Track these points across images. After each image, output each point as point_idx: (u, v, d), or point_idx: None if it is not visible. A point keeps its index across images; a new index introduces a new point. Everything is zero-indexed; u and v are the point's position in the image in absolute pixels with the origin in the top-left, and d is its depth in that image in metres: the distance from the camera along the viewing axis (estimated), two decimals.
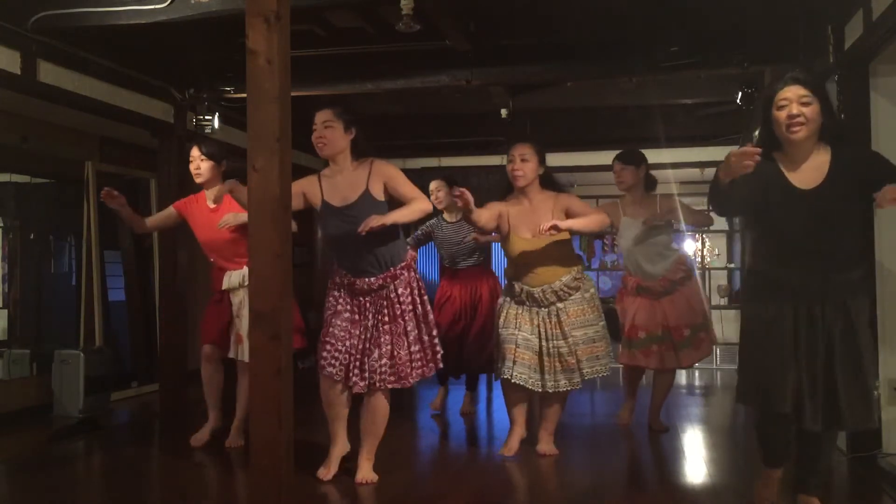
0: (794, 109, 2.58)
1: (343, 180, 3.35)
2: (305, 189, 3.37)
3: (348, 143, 3.34)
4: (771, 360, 2.65)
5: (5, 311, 5.78)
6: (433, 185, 4.85)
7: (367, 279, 3.30)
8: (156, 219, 4.23)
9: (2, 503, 3.37)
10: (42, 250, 6.10)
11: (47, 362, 5.07)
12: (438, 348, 3.40)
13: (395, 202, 3.36)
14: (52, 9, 4.04)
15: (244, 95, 2.73)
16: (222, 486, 3.59)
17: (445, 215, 4.87)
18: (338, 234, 3.32)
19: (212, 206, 4.02)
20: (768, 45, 4.56)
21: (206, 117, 5.47)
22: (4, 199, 5.86)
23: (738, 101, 5.30)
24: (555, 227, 3.54)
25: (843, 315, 2.61)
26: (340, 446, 3.47)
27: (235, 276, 3.96)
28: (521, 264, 3.78)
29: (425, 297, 3.42)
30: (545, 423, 3.92)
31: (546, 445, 3.89)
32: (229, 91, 5.37)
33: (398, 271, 3.33)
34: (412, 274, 3.41)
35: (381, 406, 3.39)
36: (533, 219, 3.74)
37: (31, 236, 5.97)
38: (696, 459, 3.94)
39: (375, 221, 3.09)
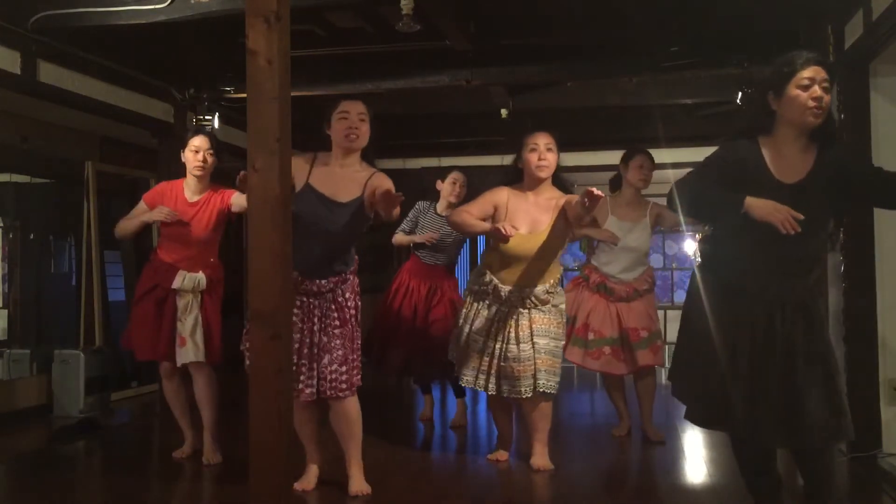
0: (819, 92, 2.34)
1: (342, 175, 3.19)
2: (295, 164, 3.12)
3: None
4: (712, 373, 2.42)
5: (5, 311, 5.78)
6: (454, 176, 4.64)
7: (318, 281, 3.15)
8: (132, 232, 3.95)
9: (2, 503, 3.37)
10: (42, 250, 6.09)
11: (47, 362, 5.07)
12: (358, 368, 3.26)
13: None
14: (52, 9, 4.04)
15: (244, 95, 2.73)
16: (222, 486, 3.59)
17: (439, 206, 4.69)
18: (310, 225, 3.09)
19: (192, 199, 3.80)
20: (768, 45, 4.55)
21: (206, 117, 5.47)
22: (4, 199, 5.86)
23: (738, 101, 5.30)
24: (592, 197, 3.09)
25: (802, 316, 2.42)
26: (316, 458, 3.38)
27: (189, 280, 3.73)
28: (504, 258, 3.52)
29: (359, 303, 3.30)
30: (535, 433, 3.67)
31: (540, 459, 3.64)
32: (229, 91, 5.37)
33: (347, 275, 3.22)
34: (355, 279, 3.29)
35: (351, 409, 3.22)
36: (533, 214, 3.52)
37: (31, 236, 5.97)
38: (696, 459, 3.94)
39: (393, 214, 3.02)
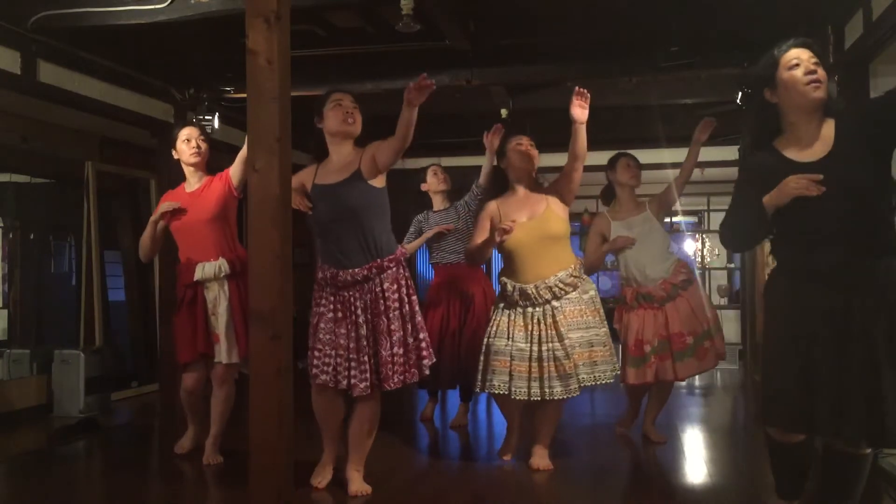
0: (812, 66, 2.32)
1: (339, 160, 3.25)
2: (303, 179, 3.29)
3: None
4: (792, 370, 2.29)
5: (5, 311, 5.78)
6: (432, 169, 4.73)
7: (351, 270, 3.13)
8: (152, 245, 3.88)
9: (2, 503, 3.37)
10: (42, 250, 6.10)
11: (47, 362, 5.07)
12: (425, 353, 3.21)
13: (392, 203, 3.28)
14: (52, 9, 4.04)
15: (244, 95, 2.73)
16: (222, 486, 3.59)
17: (434, 204, 4.72)
18: (324, 216, 3.19)
19: (191, 190, 3.84)
20: (768, 45, 4.54)
21: (206, 117, 5.47)
22: (4, 199, 5.86)
23: (738, 101, 5.30)
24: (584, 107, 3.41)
25: (886, 313, 2.23)
26: (334, 456, 3.41)
27: (209, 267, 3.70)
28: (515, 258, 3.59)
29: (414, 297, 3.24)
30: (539, 436, 3.70)
31: (540, 460, 3.66)
32: (229, 91, 5.37)
33: (385, 263, 3.16)
34: (401, 270, 3.23)
35: (373, 413, 3.26)
36: (527, 205, 3.62)
37: (31, 236, 5.97)
38: (696, 459, 3.94)
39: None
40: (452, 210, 4.64)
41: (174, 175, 5.15)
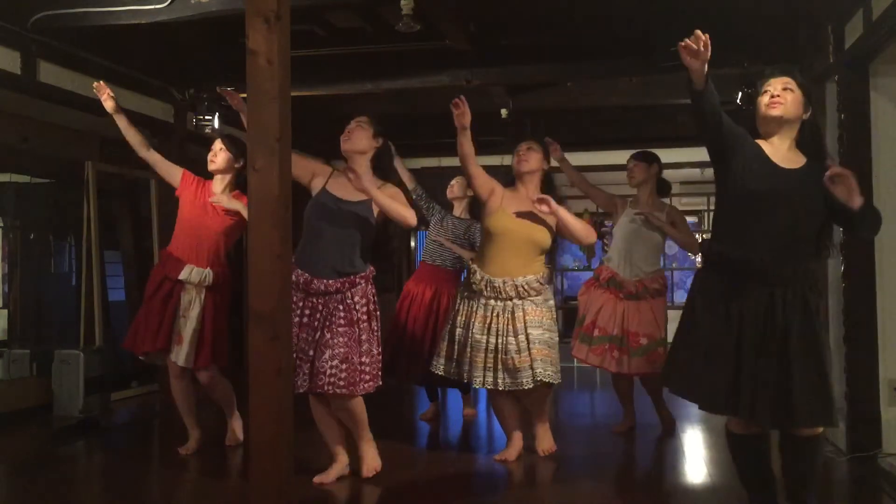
0: (776, 91, 2.63)
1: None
2: (317, 171, 3.45)
3: (371, 149, 3.41)
4: (710, 347, 2.56)
5: (5, 311, 5.78)
6: (456, 181, 4.83)
7: (325, 280, 3.27)
8: (161, 160, 4.02)
9: (2, 503, 3.37)
10: (42, 250, 6.09)
11: (47, 362, 5.06)
12: (379, 367, 3.35)
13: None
14: (52, 9, 4.04)
15: (244, 95, 2.73)
16: (222, 486, 3.59)
17: (455, 210, 4.83)
18: (319, 222, 3.32)
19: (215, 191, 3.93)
20: (768, 45, 4.56)
21: (206, 117, 5.47)
22: (4, 199, 5.86)
23: (738, 101, 5.30)
24: (546, 203, 3.55)
25: (801, 306, 2.54)
26: (341, 464, 3.44)
27: (197, 273, 3.80)
28: (494, 246, 3.70)
29: (378, 314, 3.39)
30: (535, 418, 3.88)
31: (545, 442, 3.86)
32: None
33: (357, 279, 3.31)
34: (370, 287, 3.38)
35: (355, 406, 3.32)
36: (526, 203, 3.72)
37: (31, 236, 5.97)
38: (696, 459, 3.95)
39: (365, 181, 3.17)
40: (468, 223, 4.72)
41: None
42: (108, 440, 4.54)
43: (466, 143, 3.59)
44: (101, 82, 3.83)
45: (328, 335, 3.22)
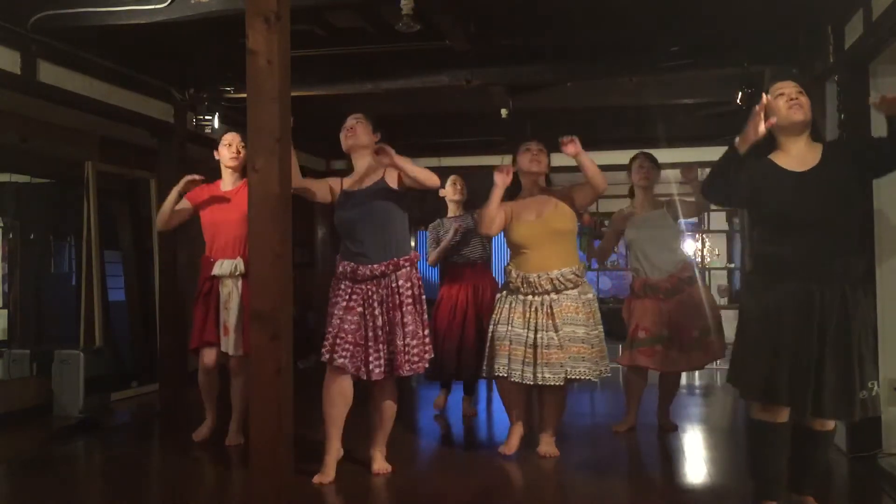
0: (794, 95, 2.73)
1: (360, 170, 3.57)
2: (332, 183, 3.61)
3: (372, 144, 3.53)
4: (767, 348, 2.67)
5: (5, 311, 5.78)
6: (452, 178, 4.91)
7: (369, 265, 3.39)
8: (170, 215, 4.07)
9: (2, 503, 3.37)
10: (42, 250, 6.10)
11: (47, 362, 5.06)
12: (428, 348, 3.48)
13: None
14: (52, 9, 4.04)
15: (244, 95, 2.73)
16: (222, 486, 3.59)
17: (449, 211, 4.91)
18: (349, 217, 3.47)
19: (227, 189, 4.09)
20: (768, 45, 4.56)
21: (206, 117, 5.47)
22: (4, 199, 5.86)
23: (738, 101, 5.30)
24: (573, 143, 3.60)
25: (839, 306, 2.62)
26: (335, 451, 3.46)
27: (227, 264, 3.98)
28: (522, 251, 3.84)
29: (423, 297, 3.50)
30: (545, 425, 3.93)
31: (547, 447, 3.88)
32: (229, 91, 5.37)
33: (401, 262, 3.42)
34: (414, 270, 3.50)
35: (391, 398, 3.52)
36: (536, 205, 3.85)
37: (31, 236, 5.97)
38: (696, 459, 3.95)
39: (390, 150, 3.28)
40: (468, 216, 4.84)
41: (173, 175, 5.20)
42: (108, 440, 4.54)
43: (497, 200, 3.77)
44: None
45: (397, 315, 3.37)
